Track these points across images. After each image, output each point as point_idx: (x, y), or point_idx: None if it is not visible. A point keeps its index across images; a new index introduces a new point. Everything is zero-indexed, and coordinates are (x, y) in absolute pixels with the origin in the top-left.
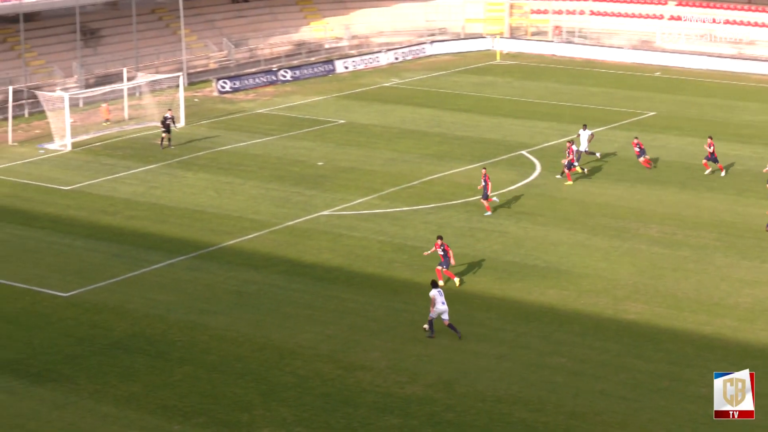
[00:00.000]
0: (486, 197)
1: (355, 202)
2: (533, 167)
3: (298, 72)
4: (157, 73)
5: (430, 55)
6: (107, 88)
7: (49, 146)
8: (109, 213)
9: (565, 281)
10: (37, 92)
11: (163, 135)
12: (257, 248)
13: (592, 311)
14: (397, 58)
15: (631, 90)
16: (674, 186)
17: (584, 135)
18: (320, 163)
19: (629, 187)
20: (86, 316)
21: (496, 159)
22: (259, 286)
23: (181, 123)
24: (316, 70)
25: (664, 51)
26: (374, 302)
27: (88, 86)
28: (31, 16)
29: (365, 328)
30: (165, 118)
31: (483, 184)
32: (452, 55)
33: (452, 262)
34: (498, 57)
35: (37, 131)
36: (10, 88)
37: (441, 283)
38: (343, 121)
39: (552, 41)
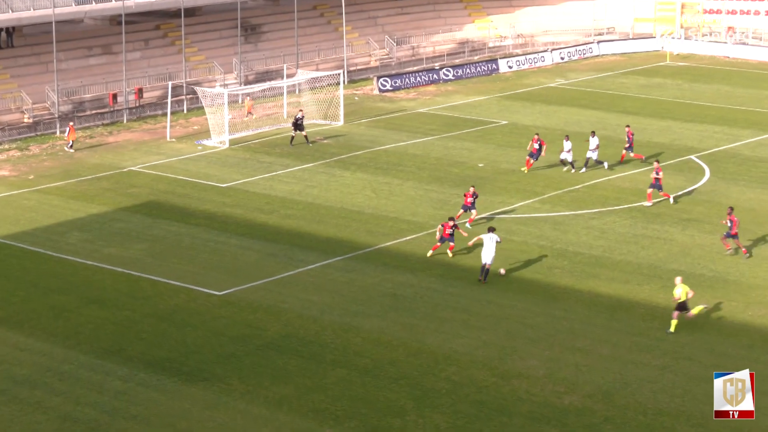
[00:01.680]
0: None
1: (515, 206)
2: (702, 172)
3: (460, 71)
4: (317, 70)
5: (597, 56)
6: (266, 85)
7: (207, 143)
8: (265, 211)
9: (733, 291)
10: (197, 88)
11: (294, 134)
12: (414, 251)
13: (760, 323)
14: (562, 58)
15: None
16: None
17: (593, 142)
18: (480, 165)
19: None
20: (240, 315)
21: (664, 163)
22: (415, 289)
23: (340, 121)
24: (478, 69)
25: None
26: (533, 309)
27: (247, 83)
28: (192, 11)
29: (523, 335)
30: (296, 119)
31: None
32: (620, 56)
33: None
34: (668, 58)
35: (195, 127)
36: (170, 84)
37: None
38: (505, 122)
39: (725, 42)
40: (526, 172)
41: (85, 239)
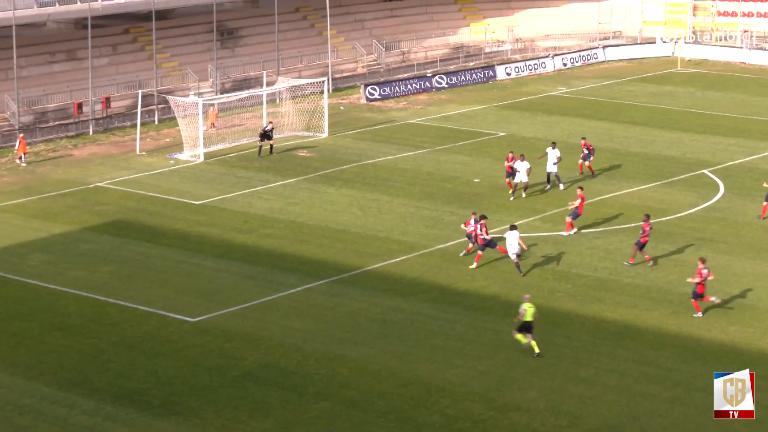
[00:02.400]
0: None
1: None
2: (716, 188)
3: (454, 78)
4: (299, 77)
5: (603, 62)
6: (244, 94)
7: (180, 156)
8: (243, 231)
9: (750, 317)
10: (169, 97)
11: (261, 144)
12: (405, 273)
13: None
14: (565, 64)
15: None
16: None
17: (552, 155)
18: (476, 180)
19: None
20: (215, 343)
21: (675, 178)
22: (406, 314)
23: (325, 133)
24: (474, 76)
25: None
26: (533, 336)
27: (223, 91)
28: (163, 14)
29: (522, 365)
30: (264, 130)
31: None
32: (627, 62)
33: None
34: (679, 64)
35: (167, 140)
36: (140, 92)
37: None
38: (503, 134)
39: (741, 47)
40: (511, 197)
41: (47, 261)
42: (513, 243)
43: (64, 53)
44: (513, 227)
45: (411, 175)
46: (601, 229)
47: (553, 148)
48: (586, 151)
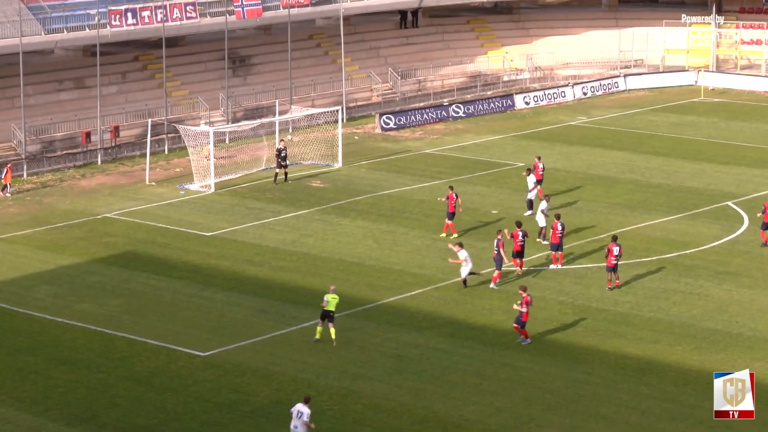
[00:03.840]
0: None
1: (532, 257)
2: (740, 221)
3: (471, 107)
4: (312, 106)
5: (624, 90)
6: (256, 123)
7: (191, 187)
8: (254, 263)
9: None
10: (179, 126)
11: (277, 171)
12: (420, 307)
13: None
14: (585, 93)
15: None
16: None
17: (530, 180)
18: (494, 212)
19: None
20: (226, 378)
21: (698, 210)
22: (422, 350)
23: (339, 163)
24: (492, 105)
25: None
26: (552, 372)
27: (235, 120)
28: (174, 41)
29: (541, 401)
30: (279, 150)
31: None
32: (649, 91)
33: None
34: (702, 93)
35: (177, 170)
36: (149, 121)
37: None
38: (521, 164)
39: (766, 76)
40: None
41: (54, 294)
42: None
43: (72, 81)
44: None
45: (427, 206)
46: (622, 262)
47: (529, 174)
48: (541, 174)
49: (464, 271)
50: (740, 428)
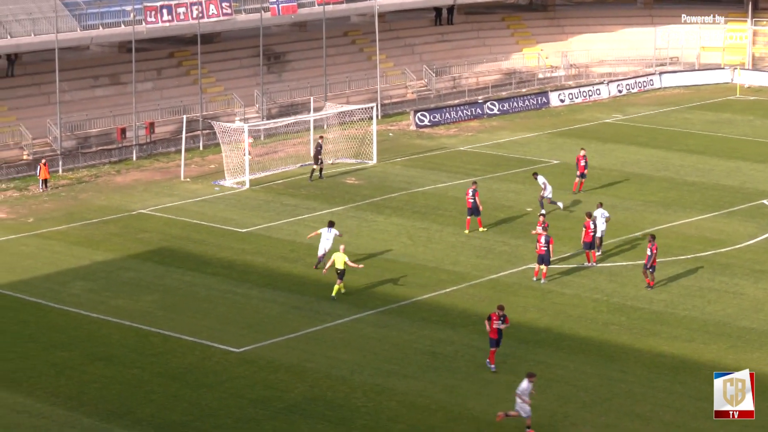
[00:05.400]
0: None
1: (567, 255)
2: None
3: (506, 105)
4: (347, 103)
5: (659, 88)
6: (291, 119)
7: (225, 183)
8: (289, 260)
9: None
10: (214, 123)
11: (315, 167)
12: (455, 304)
13: None
14: (620, 91)
15: None
16: None
17: (540, 181)
18: (528, 209)
19: None
20: (261, 375)
21: (733, 208)
22: (456, 347)
23: (373, 160)
24: (527, 102)
25: None
26: (586, 370)
27: (270, 117)
28: (209, 38)
29: (575, 399)
30: (318, 146)
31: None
32: (684, 89)
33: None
34: (738, 91)
35: (212, 166)
36: (184, 118)
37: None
38: (556, 162)
39: None
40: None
41: (89, 289)
42: (329, 238)
43: (107, 77)
44: (331, 224)
45: (462, 203)
46: (658, 260)
47: (537, 177)
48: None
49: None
50: None
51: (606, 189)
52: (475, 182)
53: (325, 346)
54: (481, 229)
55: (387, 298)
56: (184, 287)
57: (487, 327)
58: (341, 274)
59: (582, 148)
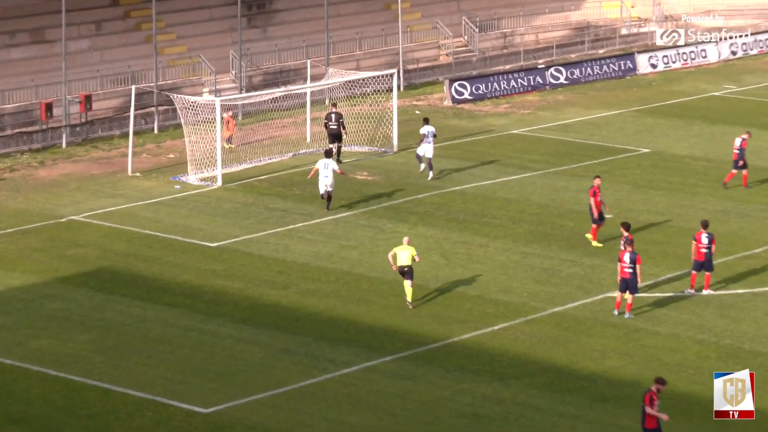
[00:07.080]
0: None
1: (661, 278)
2: None
3: (577, 71)
4: (357, 69)
5: None
6: (280, 91)
7: (189, 179)
8: (277, 285)
9: None
10: (174, 96)
11: (331, 147)
12: (506, 347)
13: None
14: (734, 53)
15: None
16: None
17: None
18: (608, 216)
19: None
20: None
21: None
22: (507, 406)
23: (393, 148)
24: (606, 69)
25: None
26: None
27: (251, 88)
28: None
29: None
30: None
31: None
32: None
33: None
34: None
35: (170, 155)
36: (133, 88)
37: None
38: (646, 150)
39: None
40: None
41: (1, 326)
42: (328, 175)
43: (27, 33)
44: (328, 154)
45: (516, 208)
46: None
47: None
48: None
49: None
50: None
51: (714, 187)
52: (597, 177)
53: (325, 406)
54: (594, 243)
55: (412, 339)
56: (133, 324)
57: (649, 411)
58: (409, 272)
59: (747, 132)
